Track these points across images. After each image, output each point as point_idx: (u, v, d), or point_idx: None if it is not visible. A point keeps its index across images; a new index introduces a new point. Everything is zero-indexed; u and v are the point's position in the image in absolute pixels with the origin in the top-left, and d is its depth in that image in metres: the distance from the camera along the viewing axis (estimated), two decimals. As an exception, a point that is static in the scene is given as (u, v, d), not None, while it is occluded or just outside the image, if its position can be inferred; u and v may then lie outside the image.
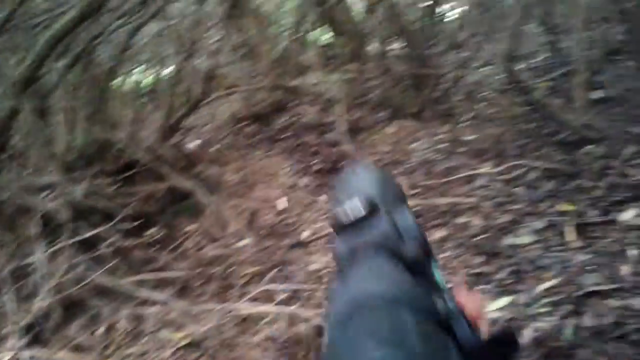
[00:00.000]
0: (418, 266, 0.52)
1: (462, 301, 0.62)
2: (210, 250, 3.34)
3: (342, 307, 0.44)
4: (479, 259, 2.68)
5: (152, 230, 3.55)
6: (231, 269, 3.11)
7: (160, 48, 4.91)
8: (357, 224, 0.54)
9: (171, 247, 3.45)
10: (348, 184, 0.68)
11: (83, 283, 2.76)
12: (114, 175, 3.72)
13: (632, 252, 2.41)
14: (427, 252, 0.55)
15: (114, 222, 3.03)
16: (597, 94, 3.81)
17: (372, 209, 0.55)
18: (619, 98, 3.60)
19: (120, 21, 3.56)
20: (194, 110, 4.35)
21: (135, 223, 3.24)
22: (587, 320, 2.08)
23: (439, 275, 0.74)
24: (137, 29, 3.77)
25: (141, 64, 5.63)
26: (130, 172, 3.75)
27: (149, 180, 3.83)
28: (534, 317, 2.17)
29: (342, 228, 0.54)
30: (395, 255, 0.51)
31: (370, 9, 5.25)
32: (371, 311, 0.41)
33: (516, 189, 3.19)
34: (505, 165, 3.41)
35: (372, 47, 5.31)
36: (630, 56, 3.98)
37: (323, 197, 3.82)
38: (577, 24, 3.61)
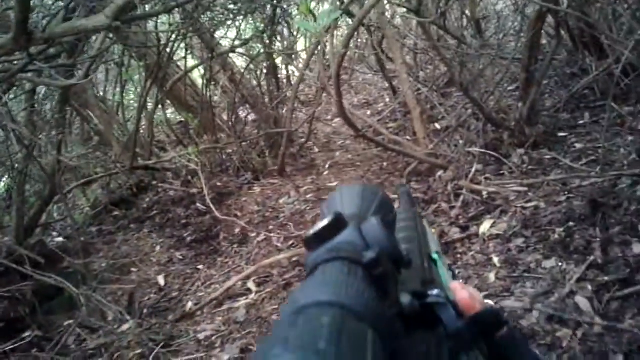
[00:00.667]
0: (381, 274, 0.50)
1: (456, 293, 0.63)
2: (93, 341, 3.12)
3: (281, 318, 0.43)
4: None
5: (28, 333, 3.28)
6: (117, 354, 2.92)
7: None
8: (322, 238, 0.52)
9: (51, 345, 3.19)
10: (328, 203, 0.67)
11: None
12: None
13: (495, 259, 2.59)
14: (396, 260, 0.53)
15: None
16: (438, 125, 4.12)
17: (338, 221, 0.53)
18: (455, 125, 3.91)
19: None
20: (47, 206, 4.12)
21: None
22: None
23: (444, 272, 0.75)
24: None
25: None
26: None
27: (13, 283, 3.56)
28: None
29: (308, 243, 0.52)
30: (355, 263, 0.48)
31: (211, 81, 5.33)
32: (294, 317, 0.40)
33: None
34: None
35: (222, 116, 5.39)
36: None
37: (202, 266, 3.74)
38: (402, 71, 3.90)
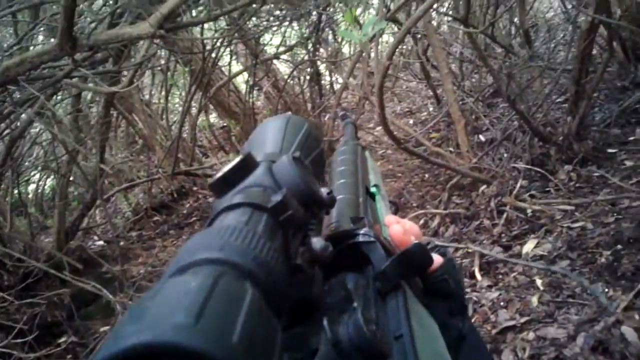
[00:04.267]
0: (289, 218, 0.45)
1: (390, 228, 0.60)
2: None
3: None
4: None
5: (64, 339, 3.35)
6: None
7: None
8: (230, 181, 0.47)
9: (86, 352, 3.25)
10: (249, 141, 0.62)
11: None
12: (13, 288, 3.50)
13: (538, 282, 2.50)
14: (308, 202, 0.48)
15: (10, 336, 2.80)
16: (482, 137, 4.03)
17: (247, 162, 0.48)
18: (501, 138, 3.81)
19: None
20: (89, 211, 4.22)
21: (37, 333, 3.03)
22: (505, 358, 2.11)
23: (381, 206, 0.72)
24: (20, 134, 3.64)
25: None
26: (31, 281, 3.55)
27: (52, 288, 3.64)
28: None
29: (215, 189, 0.47)
30: (259, 209, 0.43)
31: (254, 87, 5.36)
32: (164, 281, 0.35)
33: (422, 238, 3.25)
34: (409, 217, 3.48)
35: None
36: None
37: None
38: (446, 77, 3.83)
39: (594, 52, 3.87)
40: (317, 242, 0.47)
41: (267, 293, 0.36)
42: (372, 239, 0.56)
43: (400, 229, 0.59)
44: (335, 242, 0.54)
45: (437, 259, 0.58)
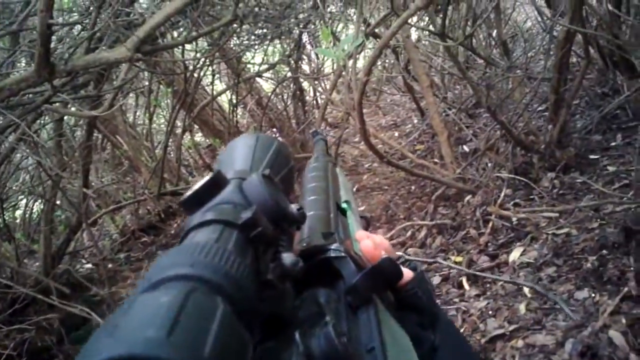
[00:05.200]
0: (259, 235, 0.45)
1: (360, 243, 0.61)
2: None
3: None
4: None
5: (55, 364, 3.33)
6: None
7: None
8: (200, 199, 0.47)
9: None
10: (219, 158, 0.63)
11: None
12: (1, 314, 3.47)
13: (525, 289, 2.51)
14: (278, 219, 0.48)
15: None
16: (465, 147, 4.06)
17: (217, 179, 0.48)
18: (484, 148, 3.84)
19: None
20: (75, 234, 4.20)
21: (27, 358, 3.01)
22: (496, 366, 2.11)
23: (352, 221, 0.73)
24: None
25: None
26: (20, 306, 3.52)
27: (41, 313, 3.61)
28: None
29: (186, 207, 0.47)
30: (230, 226, 0.44)
31: (237, 105, 5.38)
32: (136, 297, 0.35)
33: (410, 249, 3.26)
34: (397, 229, 3.49)
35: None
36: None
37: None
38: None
39: (573, 60, 3.93)
40: (287, 258, 0.47)
41: (238, 308, 0.36)
42: (342, 254, 0.57)
43: (371, 244, 0.60)
44: (307, 257, 0.55)
45: (407, 273, 0.59)
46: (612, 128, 3.62)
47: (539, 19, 4.17)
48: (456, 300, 2.62)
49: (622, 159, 3.27)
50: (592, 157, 3.41)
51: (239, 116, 5.93)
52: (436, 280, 2.85)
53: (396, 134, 5.69)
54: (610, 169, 3.22)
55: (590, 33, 3.33)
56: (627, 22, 3.53)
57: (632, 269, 2.29)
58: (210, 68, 5.07)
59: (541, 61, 4.61)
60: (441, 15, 3.33)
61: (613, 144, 3.48)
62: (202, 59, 4.52)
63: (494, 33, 4.70)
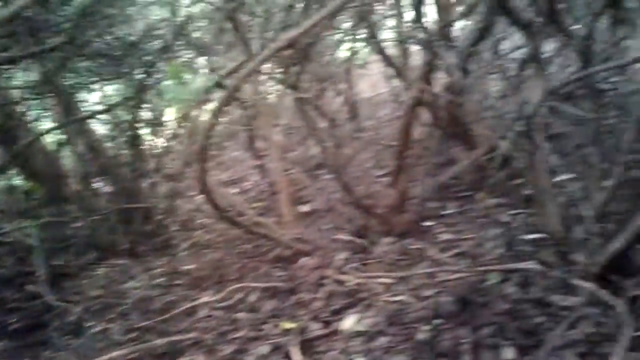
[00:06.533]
0: None
1: None
2: None
3: None
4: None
5: None
6: None
7: None
8: None
9: None
10: None
11: None
12: None
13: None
14: None
15: None
16: (305, 208, 3.90)
17: None
18: (324, 209, 3.72)
19: None
20: None
21: None
22: None
23: None
24: None
25: None
26: None
27: None
28: None
29: None
30: None
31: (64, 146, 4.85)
32: None
33: (239, 314, 2.95)
34: (226, 291, 3.17)
35: (73, 187, 4.83)
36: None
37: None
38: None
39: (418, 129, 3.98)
40: None
41: None
42: None
43: None
44: None
45: None
46: (448, 197, 3.67)
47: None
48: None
49: (455, 227, 3.29)
50: (427, 224, 3.39)
51: (65, 159, 5.32)
52: (264, 349, 2.55)
53: (237, 190, 5.44)
54: (445, 237, 3.21)
55: (434, 105, 3.38)
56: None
57: (467, 340, 2.17)
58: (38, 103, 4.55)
59: (386, 129, 4.68)
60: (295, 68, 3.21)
61: (447, 212, 3.51)
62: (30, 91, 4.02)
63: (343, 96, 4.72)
